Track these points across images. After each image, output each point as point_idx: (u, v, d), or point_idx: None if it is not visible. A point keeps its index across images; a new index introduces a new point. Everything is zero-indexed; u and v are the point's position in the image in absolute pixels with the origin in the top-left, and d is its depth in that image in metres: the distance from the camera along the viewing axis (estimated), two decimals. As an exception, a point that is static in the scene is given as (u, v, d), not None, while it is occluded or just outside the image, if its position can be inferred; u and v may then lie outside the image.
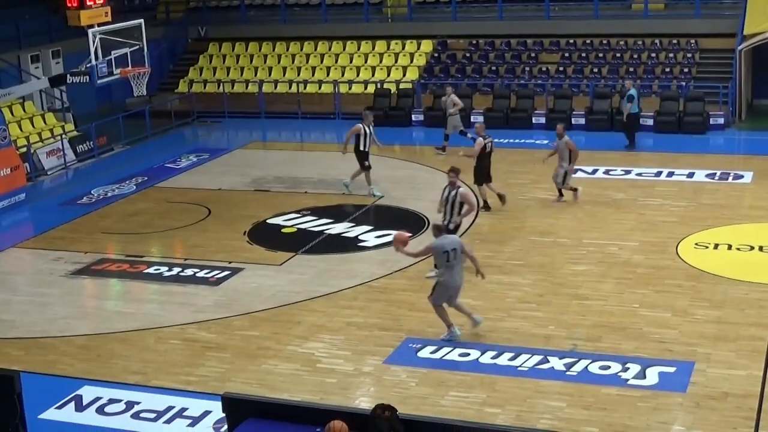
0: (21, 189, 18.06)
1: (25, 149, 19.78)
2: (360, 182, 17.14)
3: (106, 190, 18.56)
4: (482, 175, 15.77)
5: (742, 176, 17.40)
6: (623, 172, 17.95)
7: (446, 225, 12.35)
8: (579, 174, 17.94)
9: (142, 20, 19.50)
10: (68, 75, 19.44)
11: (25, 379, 8.23)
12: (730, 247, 13.76)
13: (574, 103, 22.24)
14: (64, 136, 21.09)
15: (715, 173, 17.57)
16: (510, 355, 10.59)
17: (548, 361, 10.40)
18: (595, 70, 23.59)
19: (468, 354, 10.68)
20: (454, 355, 10.69)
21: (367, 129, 16.87)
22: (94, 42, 18.23)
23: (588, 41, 24.37)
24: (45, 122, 22.13)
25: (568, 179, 16.02)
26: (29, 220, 17.59)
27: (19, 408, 8.02)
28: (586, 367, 10.24)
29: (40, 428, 9.28)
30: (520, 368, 10.30)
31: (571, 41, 24.50)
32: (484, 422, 8.88)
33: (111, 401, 10.07)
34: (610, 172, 17.96)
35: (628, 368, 10.15)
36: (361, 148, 16.85)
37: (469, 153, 16.07)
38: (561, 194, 16.20)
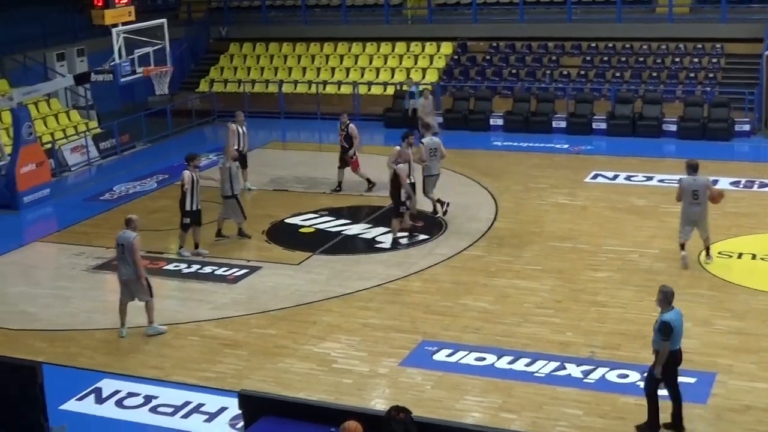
0: (45, 184, 18.22)
1: (50, 145, 19.99)
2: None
3: (127, 187, 18.69)
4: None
5: (767, 185, 17.23)
6: (645, 179, 17.81)
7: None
8: (598, 179, 17.85)
9: (164, 20, 19.59)
10: (92, 73, 19.56)
11: (47, 370, 8.31)
12: (754, 256, 13.58)
13: (595, 108, 22.10)
14: (87, 133, 21.27)
15: (740, 181, 17.35)
16: (527, 360, 10.56)
17: (565, 368, 10.35)
18: (617, 74, 23.42)
19: (484, 358, 10.66)
20: (470, 359, 10.67)
21: (241, 129, 16.95)
22: (117, 41, 18.34)
23: (610, 45, 24.21)
24: (69, 119, 22.34)
25: None
26: (53, 215, 17.74)
27: (42, 398, 8.10)
28: (604, 375, 10.18)
29: (61, 419, 9.35)
30: (536, 374, 10.26)
31: (593, 45, 24.36)
32: (500, 427, 8.86)
33: (130, 395, 10.17)
34: (632, 178, 17.82)
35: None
36: (239, 149, 16.71)
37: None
38: None
